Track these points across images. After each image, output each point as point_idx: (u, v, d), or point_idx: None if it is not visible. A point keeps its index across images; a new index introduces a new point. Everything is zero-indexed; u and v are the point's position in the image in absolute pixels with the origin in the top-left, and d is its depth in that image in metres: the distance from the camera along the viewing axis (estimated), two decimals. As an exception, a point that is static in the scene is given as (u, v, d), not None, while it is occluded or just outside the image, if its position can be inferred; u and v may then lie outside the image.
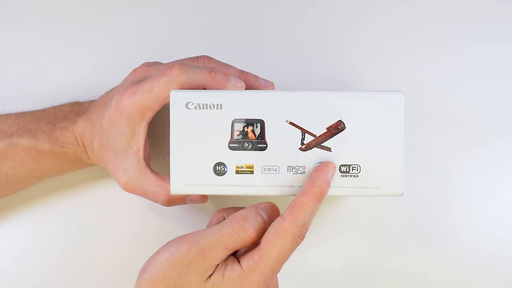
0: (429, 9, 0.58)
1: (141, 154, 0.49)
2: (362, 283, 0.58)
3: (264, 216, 0.44)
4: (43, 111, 0.54)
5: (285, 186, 0.45)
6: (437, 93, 0.58)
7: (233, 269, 0.43)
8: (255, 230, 0.44)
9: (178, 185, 0.45)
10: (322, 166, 0.44)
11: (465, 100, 0.58)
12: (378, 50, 0.58)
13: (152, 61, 0.52)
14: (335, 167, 0.44)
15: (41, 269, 0.58)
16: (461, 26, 0.58)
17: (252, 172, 0.45)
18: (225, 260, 0.44)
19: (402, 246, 0.57)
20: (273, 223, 0.43)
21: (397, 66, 0.58)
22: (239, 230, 0.43)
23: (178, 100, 0.44)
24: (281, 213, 0.44)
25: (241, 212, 0.45)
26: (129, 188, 0.50)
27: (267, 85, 0.50)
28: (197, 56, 0.50)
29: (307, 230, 0.43)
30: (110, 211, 0.58)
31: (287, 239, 0.42)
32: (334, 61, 0.58)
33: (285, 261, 0.43)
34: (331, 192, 0.45)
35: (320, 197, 0.43)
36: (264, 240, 0.43)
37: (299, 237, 0.43)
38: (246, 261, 0.43)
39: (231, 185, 0.45)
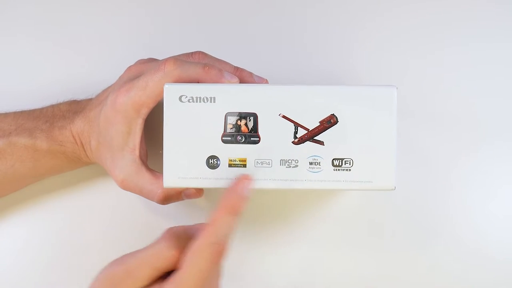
0: (429, 9, 0.59)
1: (137, 152, 0.49)
2: (360, 284, 0.57)
3: (196, 235, 0.43)
4: (41, 110, 0.54)
5: (278, 180, 0.45)
6: (437, 93, 0.58)
7: None
8: (182, 250, 0.43)
9: (171, 178, 0.45)
10: (235, 180, 0.44)
11: (465, 100, 0.58)
12: (377, 50, 0.59)
13: (147, 58, 0.53)
14: (250, 179, 0.44)
15: (40, 267, 0.58)
16: (461, 26, 0.58)
17: (245, 166, 0.45)
18: (153, 283, 0.43)
19: (401, 246, 0.57)
20: (192, 243, 0.43)
21: (397, 66, 0.58)
22: (163, 250, 0.43)
23: (172, 93, 0.45)
24: None
25: (172, 229, 0.44)
26: (125, 186, 0.50)
27: (261, 82, 0.50)
28: (192, 52, 0.51)
29: (223, 247, 0.42)
30: (108, 209, 0.58)
31: (202, 258, 0.41)
32: (333, 61, 0.58)
33: (205, 281, 0.42)
34: (324, 186, 0.45)
35: (233, 211, 0.42)
36: (183, 262, 0.42)
37: (215, 255, 0.42)
38: (168, 285, 0.42)
39: (224, 178, 0.45)
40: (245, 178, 0.44)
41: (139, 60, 0.52)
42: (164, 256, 0.43)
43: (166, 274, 0.44)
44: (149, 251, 0.43)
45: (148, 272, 0.43)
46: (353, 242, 0.57)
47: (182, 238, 0.44)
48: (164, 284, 0.42)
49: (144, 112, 0.48)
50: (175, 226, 0.45)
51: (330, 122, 0.44)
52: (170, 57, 0.49)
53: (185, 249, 0.43)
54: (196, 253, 0.42)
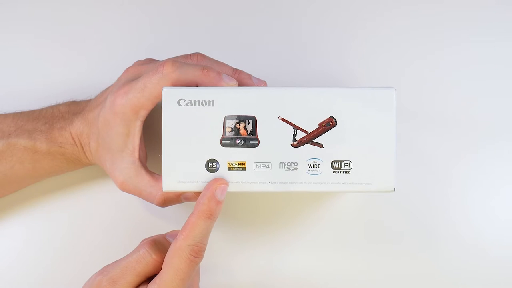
0: (429, 9, 0.58)
1: (136, 154, 0.49)
2: (360, 284, 0.57)
3: (172, 241, 0.46)
4: (40, 111, 0.54)
5: (277, 183, 0.45)
6: (437, 93, 0.58)
7: None
8: (161, 255, 0.45)
9: (170, 181, 0.45)
10: (209, 184, 0.45)
11: (464, 100, 0.58)
12: (377, 51, 0.58)
13: (145, 58, 0.52)
14: (225, 183, 0.44)
15: (39, 268, 0.58)
16: (461, 26, 0.58)
17: (244, 169, 0.45)
18: (138, 287, 0.46)
19: (401, 247, 0.57)
20: (171, 246, 0.45)
21: (396, 66, 0.58)
22: (145, 255, 0.45)
23: (170, 97, 0.45)
24: None
25: (149, 238, 0.47)
26: (125, 188, 0.50)
27: (260, 84, 0.50)
28: (190, 54, 0.50)
29: (201, 248, 0.44)
30: (108, 210, 0.58)
31: (180, 259, 0.44)
32: (332, 63, 0.58)
33: (185, 280, 0.44)
34: (323, 188, 0.45)
35: (209, 215, 0.44)
36: (163, 264, 0.44)
37: (193, 256, 0.44)
38: (151, 285, 0.44)
39: None
40: (219, 182, 0.44)
41: (137, 61, 0.52)
42: (145, 262, 0.45)
43: (149, 280, 0.46)
44: (131, 258, 0.45)
45: (132, 278, 0.45)
46: (353, 243, 0.57)
47: (161, 243, 0.46)
48: (147, 286, 0.45)
49: (143, 114, 0.48)
50: (150, 236, 0.48)
51: (329, 124, 0.44)
52: (168, 59, 0.49)
53: (164, 253, 0.45)
54: (175, 254, 0.44)
